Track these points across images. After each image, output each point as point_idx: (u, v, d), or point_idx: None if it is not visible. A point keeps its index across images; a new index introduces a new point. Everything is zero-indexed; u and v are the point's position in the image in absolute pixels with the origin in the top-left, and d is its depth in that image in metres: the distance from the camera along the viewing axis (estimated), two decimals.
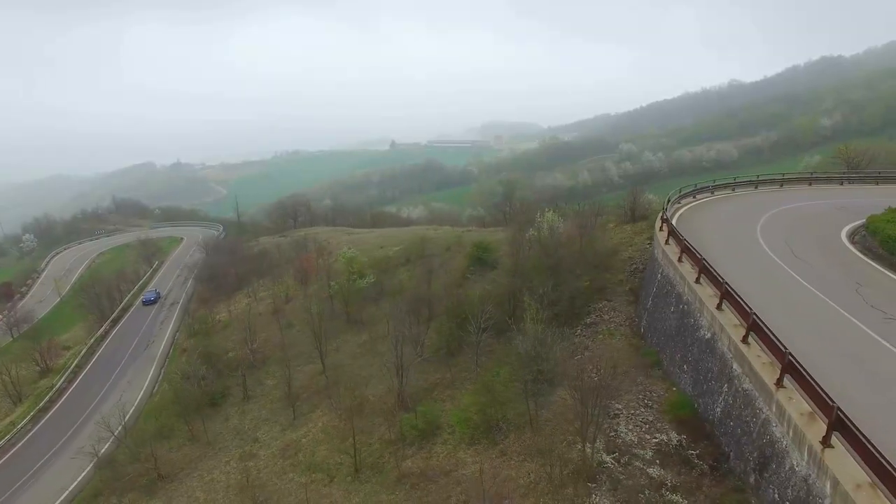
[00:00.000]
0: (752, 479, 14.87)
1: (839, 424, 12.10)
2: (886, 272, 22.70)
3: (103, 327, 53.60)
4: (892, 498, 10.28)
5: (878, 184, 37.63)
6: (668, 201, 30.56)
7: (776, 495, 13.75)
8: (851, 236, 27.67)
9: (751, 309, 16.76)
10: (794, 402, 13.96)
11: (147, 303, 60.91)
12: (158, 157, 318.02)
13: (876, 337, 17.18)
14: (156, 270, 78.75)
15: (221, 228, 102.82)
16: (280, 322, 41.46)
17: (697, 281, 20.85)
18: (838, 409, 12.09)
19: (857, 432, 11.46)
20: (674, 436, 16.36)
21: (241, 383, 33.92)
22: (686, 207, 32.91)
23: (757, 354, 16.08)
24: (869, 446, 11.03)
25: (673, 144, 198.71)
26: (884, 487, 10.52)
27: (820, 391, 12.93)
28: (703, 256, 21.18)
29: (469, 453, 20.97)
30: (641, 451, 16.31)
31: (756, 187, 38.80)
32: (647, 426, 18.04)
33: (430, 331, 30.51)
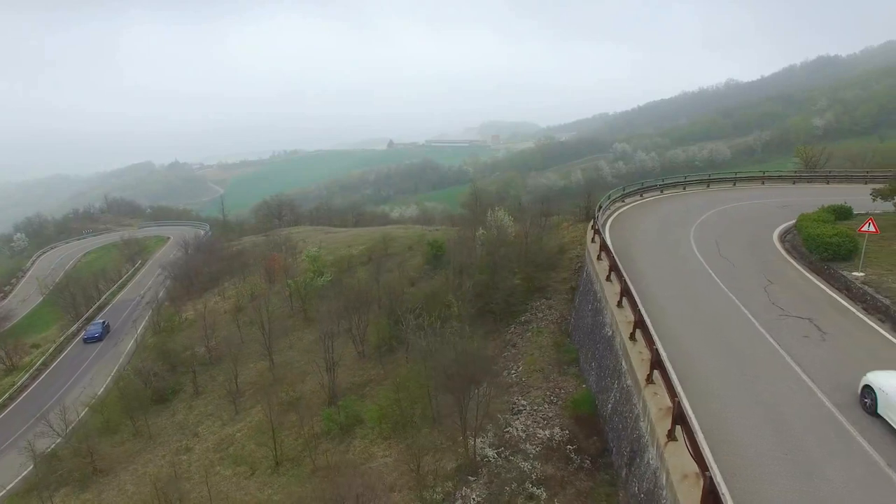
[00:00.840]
0: (623, 473, 15.16)
1: (681, 418, 12.37)
2: (801, 270, 22.95)
3: (76, 325, 54.15)
4: (707, 484, 10.56)
5: (828, 183, 37.76)
6: (609, 198, 30.80)
7: (636, 488, 14.05)
8: (783, 235, 27.90)
9: (637, 305, 17.06)
10: (658, 398, 14.21)
11: (90, 340, 49.02)
12: (158, 156, 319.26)
13: (763, 332, 17.46)
14: (137, 269, 79.37)
15: (207, 227, 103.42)
16: (239, 320, 41.86)
17: (608, 279, 21.12)
18: (679, 402, 12.37)
19: (689, 425, 11.75)
20: (557, 431, 16.63)
21: (192, 379, 34.32)
22: (630, 206, 33.13)
23: (639, 351, 16.34)
24: (695, 437, 11.31)
25: (667, 144, 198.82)
26: (703, 476, 10.80)
27: (671, 386, 13.21)
28: (615, 254, 21.52)
29: (381, 447, 21.35)
30: (528, 447, 16.58)
31: (708, 186, 39.01)
32: (545, 422, 18.32)
33: (371, 328, 30.85)
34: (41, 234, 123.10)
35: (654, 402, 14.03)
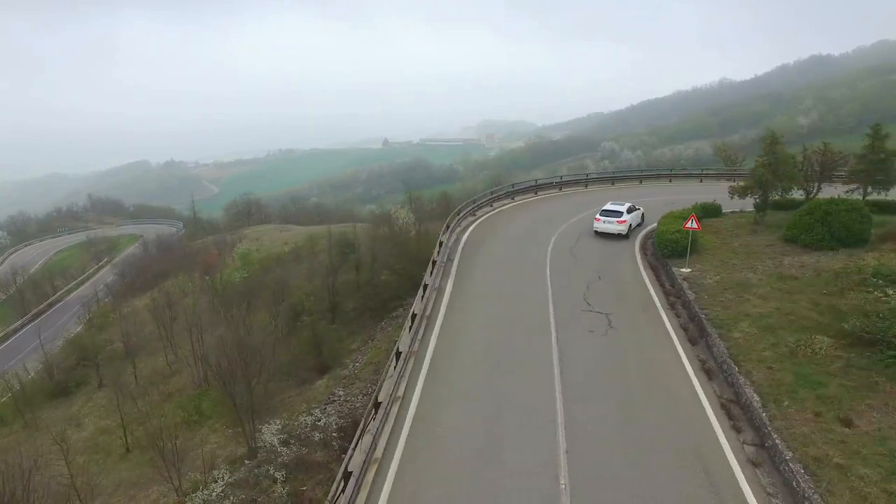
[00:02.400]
0: None
1: (376, 406, 13.00)
2: (640, 267, 23.37)
3: (20, 321, 55.20)
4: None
5: (733, 180, 37.88)
6: (493, 194, 31.33)
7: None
8: (650, 233, 28.23)
9: (422, 298, 17.62)
10: (384, 392, 14.81)
11: None
12: (159, 156, 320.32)
13: (551, 327, 17.91)
14: (101, 267, 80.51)
15: (181, 226, 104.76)
16: (161, 316, 42.60)
17: (431, 273, 21.67)
18: (376, 395, 12.99)
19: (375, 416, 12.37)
20: (335, 420, 17.18)
21: (96, 372, 35.16)
22: (518, 203, 33.48)
23: (406, 344, 16.90)
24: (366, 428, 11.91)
25: (655, 143, 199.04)
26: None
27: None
28: (468, 248, 22.22)
29: (217, 435, 22.05)
30: (312, 434, 17.13)
31: (613, 183, 39.32)
32: (347, 413, 18.82)
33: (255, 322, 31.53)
34: (24, 231, 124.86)
35: (384, 392, 14.60)
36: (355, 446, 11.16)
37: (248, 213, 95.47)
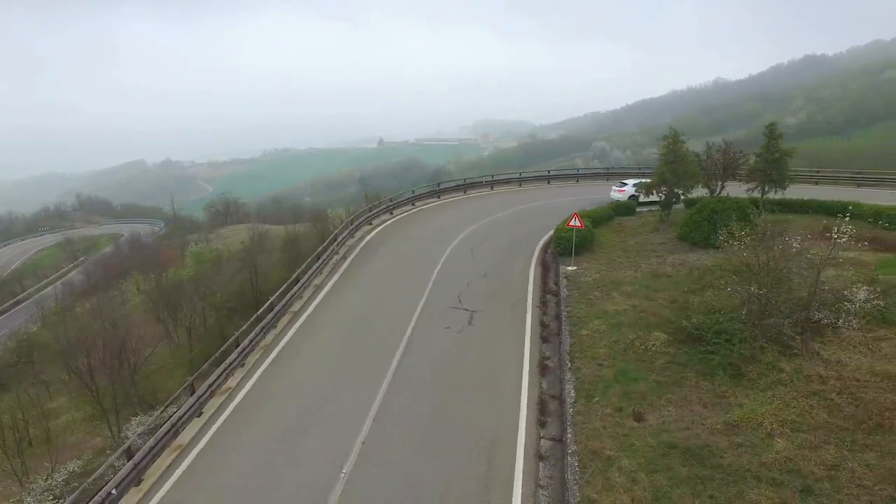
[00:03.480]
0: None
1: (190, 388, 13.39)
2: (533, 265, 23.52)
3: None
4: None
5: None
6: (414, 192, 31.63)
7: None
8: None
9: (273, 303, 17.99)
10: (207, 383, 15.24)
11: None
12: (158, 155, 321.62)
13: (411, 322, 18.19)
14: (75, 266, 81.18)
15: (162, 225, 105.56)
16: (105, 316, 43.08)
17: (311, 269, 22.03)
18: (192, 382, 13.35)
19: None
20: None
21: (31, 367, 35.76)
22: (440, 203, 33.64)
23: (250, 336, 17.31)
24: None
25: (646, 142, 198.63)
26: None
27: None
28: (370, 244, 22.54)
29: (114, 429, 22.48)
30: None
31: (549, 182, 39.57)
32: None
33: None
34: (10, 231, 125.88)
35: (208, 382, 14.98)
36: (148, 431, 11.53)
37: (226, 212, 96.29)
